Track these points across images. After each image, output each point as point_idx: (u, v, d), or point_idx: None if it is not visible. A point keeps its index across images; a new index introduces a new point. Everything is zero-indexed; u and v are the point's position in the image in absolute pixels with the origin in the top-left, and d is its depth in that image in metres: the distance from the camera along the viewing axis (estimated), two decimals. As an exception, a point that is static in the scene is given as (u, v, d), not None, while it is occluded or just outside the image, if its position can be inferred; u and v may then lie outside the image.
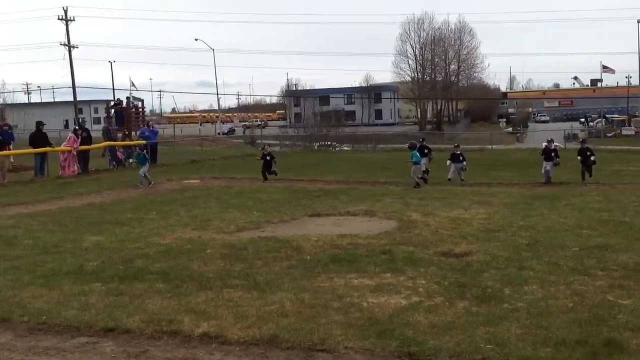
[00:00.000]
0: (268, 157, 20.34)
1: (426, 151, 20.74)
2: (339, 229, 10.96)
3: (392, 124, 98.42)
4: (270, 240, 10.00)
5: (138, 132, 29.89)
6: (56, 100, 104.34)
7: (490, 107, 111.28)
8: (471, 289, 6.93)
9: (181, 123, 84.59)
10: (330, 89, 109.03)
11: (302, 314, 6.22)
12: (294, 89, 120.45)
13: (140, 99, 37.89)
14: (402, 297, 6.76)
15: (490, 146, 38.54)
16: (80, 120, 31.06)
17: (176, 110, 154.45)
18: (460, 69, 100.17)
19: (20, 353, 5.56)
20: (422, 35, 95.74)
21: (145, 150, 20.82)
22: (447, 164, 20.11)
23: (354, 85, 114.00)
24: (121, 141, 28.69)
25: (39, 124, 23.47)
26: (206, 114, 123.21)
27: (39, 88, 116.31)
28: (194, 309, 6.52)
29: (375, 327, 5.78)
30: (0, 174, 20.84)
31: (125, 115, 30.96)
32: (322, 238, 9.95)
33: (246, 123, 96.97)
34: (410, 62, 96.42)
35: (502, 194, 15.50)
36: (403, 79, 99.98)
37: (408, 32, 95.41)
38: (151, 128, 29.68)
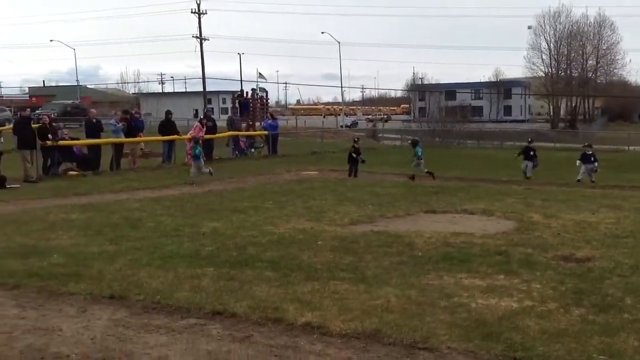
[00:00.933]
0: (354, 155, 20.31)
1: (532, 153, 19.96)
2: (454, 227, 10.76)
3: (522, 121, 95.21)
4: (382, 235, 9.99)
5: (261, 123, 30.76)
6: (187, 90, 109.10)
7: (631, 105, 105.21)
8: (589, 297, 6.60)
9: (305, 115, 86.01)
10: (457, 84, 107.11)
11: (407, 311, 6.17)
12: (420, 83, 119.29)
13: (265, 89, 38.99)
14: (513, 300, 6.55)
15: (627, 147, 36.45)
16: (207, 110, 32.33)
17: (300, 102, 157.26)
18: (599, 65, 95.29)
19: (133, 330, 5.88)
20: (557, 29, 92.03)
21: (199, 143, 19.00)
22: (577, 164, 19.24)
23: (482, 80, 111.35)
24: (245, 131, 29.63)
25: (168, 113, 24.68)
26: (330, 107, 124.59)
27: (172, 78, 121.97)
28: (300, 298, 6.63)
29: (482, 329, 5.63)
30: (131, 159, 22.14)
31: (250, 106, 31.96)
32: (436, 235, 9.81)
33: (369, 116, 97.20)
34: (544, 56, 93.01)
35: (634, 199, 14.62)
36: (535, 74, 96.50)
37: (543, 25, 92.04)
38: (273, 119, 30.40)
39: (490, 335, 5.46)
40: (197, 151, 18.46)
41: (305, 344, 5.47)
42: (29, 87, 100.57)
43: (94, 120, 21.84)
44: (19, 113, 23.72)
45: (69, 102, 59.30)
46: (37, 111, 42.12)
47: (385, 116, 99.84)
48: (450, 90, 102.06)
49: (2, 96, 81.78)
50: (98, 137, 21.29)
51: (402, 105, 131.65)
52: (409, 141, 21.10)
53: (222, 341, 5.57)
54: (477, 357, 5.10)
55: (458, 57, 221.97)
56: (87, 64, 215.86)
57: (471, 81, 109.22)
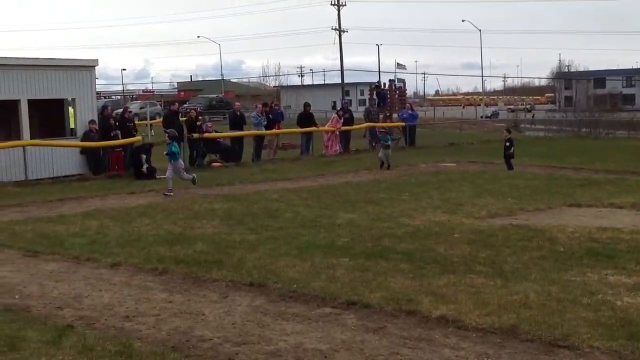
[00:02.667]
0: (507, 143, 19.58)
1: None
2: (600, 222, 10.24)
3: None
4: (522, 229, 9.70)
5: (398, 114, 30.66)
6: (326, 82, 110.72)
7: None
8: None
9: (443, 105, 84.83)
10: (606, 71, 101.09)
11: (547, 307, 5.97)
12: (566, 70, 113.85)
13: (403, 80, 38.81)
14: (665, 300, 6.15)
15: None
16: (344, 102, 32.68)
17: (439, 92, 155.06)
18: None
19: (271, 317, 6.11)
20: None
21: (174, 141, 14.95)
22: None
23: (635, 67, 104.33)
24: (382, 122, 29.67)
25: (306, 105, 25.21)
26: (469, 97, 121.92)
27: (311, 71, 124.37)
28: (435, 291, 6.59)
29: (628, 328, 5.35)
30: (271, 150, 22.85)
31: (388, 97, 31.95)
32: (579, 230, 9.39)
33: (511, 106, 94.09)
34: None
35: None
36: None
37: None
38: (411, 110, 30.21)
39: (636, 335, 5.18)
40: (172, 149, 14.74)
41: (439, 337, 5.44)
42: (178, 82, 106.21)
43: (238, 113, 22.73)
44: (168, 107, 25.15)
45: (214, 96, 62.03)
46: (185, 105, 44.44)
47: (529, 106, 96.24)
48: (599, 78, 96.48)
49: (154, 91, 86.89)
50: (241, 129, 22.15)
51: (547, 95, 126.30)
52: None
53: (356, 331, 5.66)
54: (622, 357, 4.86)
55: (608, 42, 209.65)
56: (231, 59, 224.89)
57: (622, 67, 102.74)
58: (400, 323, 5.81)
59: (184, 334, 5.66)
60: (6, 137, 17.86)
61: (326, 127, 24.71)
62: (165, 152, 15.11)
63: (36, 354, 5.14)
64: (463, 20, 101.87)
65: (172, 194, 14.24)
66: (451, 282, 6.90)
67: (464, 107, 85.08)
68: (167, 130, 15.93)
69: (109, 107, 21.83)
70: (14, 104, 17.29)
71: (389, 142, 20.32)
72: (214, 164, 20.48)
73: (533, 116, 53.63)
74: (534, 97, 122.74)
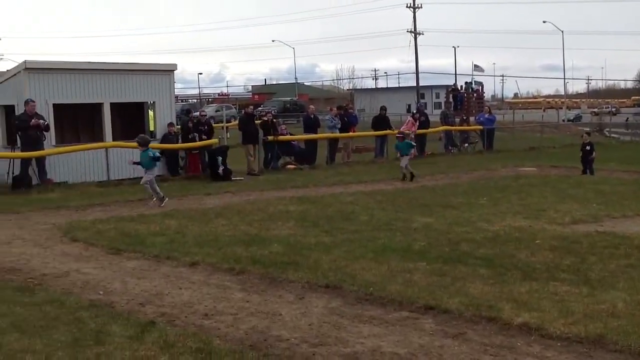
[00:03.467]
0: (588, 147, 18.95)
1: None
2: (694, 230, 9.80)
3: None
4: (608, 236, 9.39)
5: (476, 117, 30.21)
6: (400, 85, 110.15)
7: None
8: None
9: (523, 108, 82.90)
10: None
11: (636, 317, 5.75)
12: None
13: (480, 82, 38.19)
14: None
15: None
16: (420, 105, 32.44)
17: (518, 95, 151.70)
18: None
19: (347, 319, 6.12)
20: None
21: (147, 147, 13.73)
22: None
23: None
24: (458, 126, 29.31)
25: (382, 109, 25.17)
26: (550, 100, 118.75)
27: (385, 74, 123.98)
28: (516, 298, 6.46)
29: None
30: (345, 153, 22.91)
31: (465, 99, 31.54)
32: (671, 238, 9.02)
33: (595, 110, 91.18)
34: None
35: None
36: None
37: None
38: (489, 114, 29.72)
39: None
40: (154, 154, 13.81)
41: (522, 344, 5.32)
42: (252, 86, 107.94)
43: (312, 116, 22.90)
44: (243, 110, 25.58)
45: (288, 99, 62.72)
46: (259, 108, 45.10)
47: (614, 109, 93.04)
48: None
49: (229, 94, 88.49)
50: (315, 132, 22.29)
51: (633, 98, 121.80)
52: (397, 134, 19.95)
53: (434, 336, 5.61)
54: None
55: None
56: (305, 62, 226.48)
57: None
58: (480, 329, 5.72)
59: (261, 334, 5.73)
60: (90, 139, 18.57)
61: (402, 130, 24.56)
62: (140, 161, 13.67)
63: (120, 349, 5.31)
64: (544, 22, 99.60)
65: (166, 199, 13.48)
66: (533, 289, 6.74)
67: (544, 110, 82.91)
68: (137, 138, 14.17)
69: (193, 111, 22.40)
70: (97, 107, 17.96)
71: (410, 150, 18.31)
72: (288, 166, 20.70)
73: (627, 120, 51.57)
74: (620, 100, 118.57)
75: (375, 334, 5.70)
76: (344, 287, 7.04)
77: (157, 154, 13.98)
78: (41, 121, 15.68)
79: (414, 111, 28.44)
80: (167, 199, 13.58)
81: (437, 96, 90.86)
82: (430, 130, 26.09)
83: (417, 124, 24.60)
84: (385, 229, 10.23)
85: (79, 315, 6.22)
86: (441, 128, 27.28)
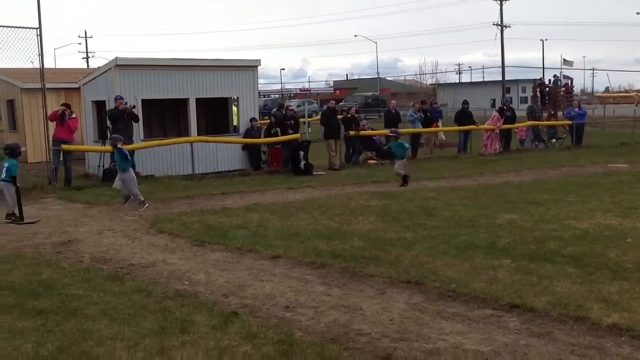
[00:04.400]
0: None
1: None
2: None
3: None
4: None
5: (564, 112, 29.29)
6: (485, 80, 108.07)
7: None
8: None
9: (614, 103, 79.83)
10: None
11: None
12: None
13: (569, 77, 37.00)
14: None
15: None
16: (505, 100, 31.71)
17: (609, 89, 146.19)
18: None
19: (429, 315, 6.07)
20: None
21: (119, 148, 12.78)
22: None
23: None
24: (546, 121, 28.49)
25: (464, 103, 24.76)
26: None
27: (469, 68, 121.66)
28: (606, 298, 6.25)
29: None
30: (427, 148, 22.68)
31: (552, 94, 30.62)
32: None
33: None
34: None
35: None
36: None
37: None
38: (579, 108, 28.75)
39: None
40: (119, 157, 12.92)
41: (611, 345, 5.15)
42: (334, 81, 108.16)
43: (393, 111, 22.76)
44: (325, 105, 25.71)
45: (370, 94, 62.57)
46: (341, 103, 45.19)
47: None
48: None
49: (310, 89, 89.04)
50: (396, 127, 22.13)
51: None
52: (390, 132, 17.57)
53: (519, 335, 5.50)
54: None
55: None
56: (387, 57, 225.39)
57: None
58: (567, 329, 5.56)
59: (342, 327, 5.76)
60: (176, 133, 19.10)
61: (486, 126, 24.11)
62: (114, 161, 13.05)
63: (205, 337, 5.46)
64: (638, 13, 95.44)
65: (146, 204, 12.48)
66: (624, 289, 6.51)
67: (637, 105, 79.65)
68: (110, 138, 13.55)
69: (286, 105, 22.70)
70: (184, 103, 18.45)
71: (405, 150, 16.13)
72: (369, 161, 20.67)
73: None
74: None
75: (457, 330, 5.64)
76: (425, 283, 6.99)
77: (125, 152, 12.89)
78: (128, 105, 16.21)
79: (500, 106, 27.82)
80: (147, 203, 12.56)
81: (524, 90, 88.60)
82: (516, 125, 25.48)
83: (503, 119, 24.06)
84: (468, 226, 10.08)
85: (166, 305, 6.42)
86: (528, 123, 26.57)
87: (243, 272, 7.77)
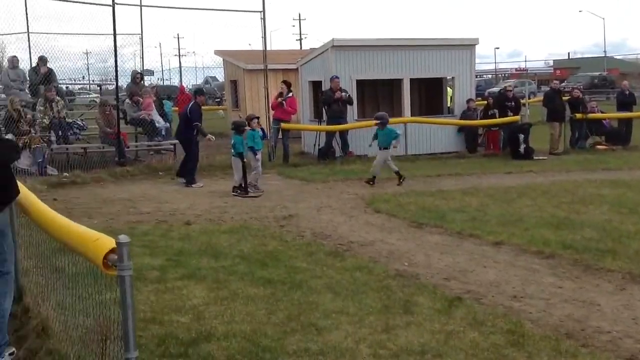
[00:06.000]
0: None
1: None
2: None
3: None
4: None
5: None
6: None
7: None
8: None
9: None
10: None
11: None
12: None
13: None
14: None
15: None
16: None
17: None
18: None
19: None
20: None
21: (237, 133, 12.58)
22: None
23: None
24: None
25: None
26: None
27: None
28: None
29: None
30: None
31: None
32: None
33: None
34: None
35: None
36: None
37: None
38: None
39: None
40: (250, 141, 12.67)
41: None
42: (554, 60, 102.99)
43: (626, 93, 21.13)
44: (547, 86, 24.55)
45: (596, 74, 58.75)
46: (563, 83, 42.95)
47: None
48: None
49: (527, 69, 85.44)
50: (630, 110, 20.57)
51: None
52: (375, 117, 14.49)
53: None
54: None
55: None
56: (615, 35, 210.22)
57: None
58: None
59: (577, 323, 5.46)
60: (389, 114, 19.26)
61: None
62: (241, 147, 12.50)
63: (429, 320, 5.44)
64: None
65: (260, 192, 12.33)
66: None
67: None
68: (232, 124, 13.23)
69: (506, 86, 22.15)
70: (397, 83, 18.55)
71: (392, 139, 13.61)
72: (598, 146, 19.40)
73: None
74: None
75: None
76: (675, 282, 6.41)
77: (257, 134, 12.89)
78: (343, 94, 16.61)
79: None
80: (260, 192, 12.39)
81: None
82: None
83: None
84: None
85: (387, 284, 6.50)
86: None
87: (464, 257, 7.65)
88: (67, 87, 22.12)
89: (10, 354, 4.58)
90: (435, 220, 9.54)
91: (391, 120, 17.74)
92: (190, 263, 7.24)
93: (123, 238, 3.25)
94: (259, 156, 12.80)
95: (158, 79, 41.66)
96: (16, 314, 5.32)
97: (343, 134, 17.12)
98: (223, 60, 25.32)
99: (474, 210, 10.24)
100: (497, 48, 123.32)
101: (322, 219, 9.92)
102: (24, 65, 17.81)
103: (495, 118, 18.68)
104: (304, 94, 19.51)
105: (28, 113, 14.91)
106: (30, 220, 5.34)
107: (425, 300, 6.00)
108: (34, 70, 17.21)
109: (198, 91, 15.01)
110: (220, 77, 26.45)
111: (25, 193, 5.05)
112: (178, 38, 67.13)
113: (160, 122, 17.68)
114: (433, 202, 11.00)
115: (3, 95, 17.67)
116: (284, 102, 16.78)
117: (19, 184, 4.88)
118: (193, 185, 13.21)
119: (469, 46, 19.04)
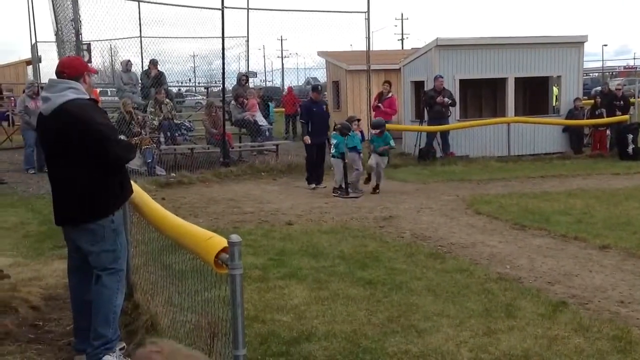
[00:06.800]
0: None
1: None
2: None
3: None
4: None
5: None
6: None
7: None
8: None
9: None
10: None
11: None
12: None
13: None
14: None
15: None
16: None
17: None
18: None
19: None
20: None
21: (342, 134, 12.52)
22: None
23: None
24: None
25: None
26: None
27: None
28: None
29: None
30: None
31: None
32: None
33: None
34: None
35: None
36: None
37: None
38: None
39: None
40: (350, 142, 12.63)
41: None
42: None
43: None
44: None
45: None
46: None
47: None
48: None
49: (636, 67, 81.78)
50: None
51: None
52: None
53: None
54: None
55: None
56: None
57: None
58: None
59: None
60: (492, 114, 18.93)
61: None
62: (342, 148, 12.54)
63: (532, 325, 5.34)
64: None
65: (360, 193, 12.31)
66: None
67: None
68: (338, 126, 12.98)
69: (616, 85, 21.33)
70: (501, 82, 18.18)
71: (388, 144, 12.79)
72: None
73: None
74: None
75: None
76: None
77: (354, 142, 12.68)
78: (446, 99, 16.41)
79: None
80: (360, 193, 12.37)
81: None
82: None
83: None
84: None
85: (488, 287, 6.42)
86: None
87: (569, 260, 7.44)
88: (178, 90, 22.90)
89: (120, 349, 4.80)
90: (538, 223, 9.31)
91: (494, 120, 17.46)
92: (291, 263, 7.38)
93: (235, 238, 3.35)
94: (360, 157, 12.85)
95: (261, 80, 42.49)
96: (127, 310, 5.53)
97: (444, 134, 16.95)
98: (325, 61, 25.55)
99: (579, 213, 9.93)
100: (605, 45, 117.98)
101: (422, 220, 9.88)
102: (135, 68, 18.57)
103: (603, 117, 18.00)
104: (406, 94, 19.41)
105: (139, 115, 15.55)
106: (141, 219, 5.60)
107: (528, 304, 5.88)
108: (146, 73, 17.94)
109: (314, 88, 14.26)
110: (322, 78, 26.78)
111: (139, 192, 5.28)
112: (281, 40, 68.27)
113: (263, 122, 18.07)
114: (536, 204, 10.74)
115: (116, 98, 18.50)
116: (380, 105, 16.74)
117: (132, 183, 5.12)
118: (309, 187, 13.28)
119: (577, 44, 18.42)
